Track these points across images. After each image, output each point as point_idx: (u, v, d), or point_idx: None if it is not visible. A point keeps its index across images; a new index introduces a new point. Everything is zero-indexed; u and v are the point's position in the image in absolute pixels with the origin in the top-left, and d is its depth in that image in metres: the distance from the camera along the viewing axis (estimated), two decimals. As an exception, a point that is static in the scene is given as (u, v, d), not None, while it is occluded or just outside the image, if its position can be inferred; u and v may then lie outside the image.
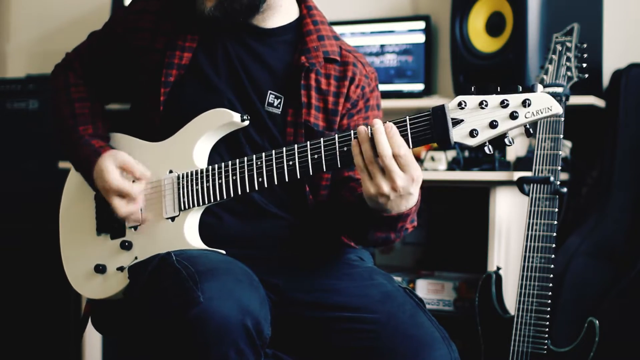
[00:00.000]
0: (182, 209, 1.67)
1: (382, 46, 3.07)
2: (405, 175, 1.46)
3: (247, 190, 1.62)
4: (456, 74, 2.75)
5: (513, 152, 2.61)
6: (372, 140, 1.47)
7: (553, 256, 2.23)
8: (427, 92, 3.01)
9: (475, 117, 1.44)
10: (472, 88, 1.46)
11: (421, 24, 3.03)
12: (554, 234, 2.24)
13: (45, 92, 3.23)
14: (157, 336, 1.53)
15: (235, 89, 1.73)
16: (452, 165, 2.66)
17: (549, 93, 1.43)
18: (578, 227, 2.70)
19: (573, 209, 2.81)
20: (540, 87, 1.43)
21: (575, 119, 2.54)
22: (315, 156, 1.55)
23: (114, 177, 1.67)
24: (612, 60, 2.82)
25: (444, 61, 3.07)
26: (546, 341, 2.22)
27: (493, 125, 1.43)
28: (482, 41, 2.71)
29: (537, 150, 2.28)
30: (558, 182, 2.26)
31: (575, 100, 2.43)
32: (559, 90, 2.26)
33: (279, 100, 1.73)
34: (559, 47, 2.33)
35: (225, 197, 1.64)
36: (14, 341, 3.23)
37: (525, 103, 1.42)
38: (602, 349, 2.17)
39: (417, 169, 1.47)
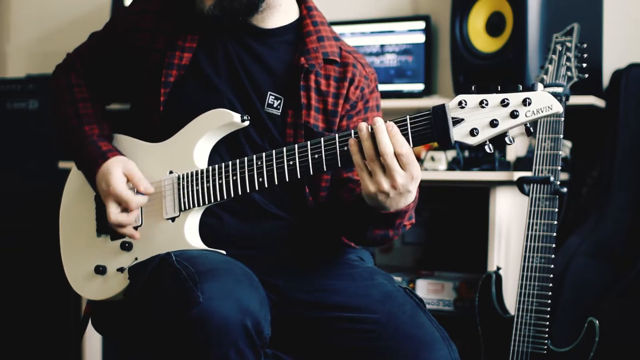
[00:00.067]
0: (183, 209, 1.67)
1: (382, 46, 3.07)
2: (405, 173, 1.46)
3: (248, 190, 1.62)
4: (456, 74, 2.75)
5: (513, 152, 2.61)
6: (373, 138, 1.47)
7: (553, 256, 2.23)
8: (427, 92, 3.01)
9: (475, 116, 1.45)
10: (473, 87, 1.47)
11: (421, 24, 3.03)
12: (554, 234, 2.24)
13: (45, 92, 3.23)
14: (157, 336, 1.53)
15: (236, 90, 1.73)
16: (452, 165, 2.66)
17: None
18: (578, 227, 2.70)
19: (573, 209, 2.81)
20: (540, 86, 1.44)
21: (575, 119, 2.54)
22: (316, 156, 1.55)
23: (119, 183, 1.67)
24: (612, 60, 2.82)
25: (444, 61, 3.07)
26: (546, 341, 2.23)
27: (493, 124, 1.43)
28: (482, 41, 2.71)
29: (537, 150, 2.28)
30: (558, 182, 2.26)
31: (575, 100, 2.43)
32: (559, 90, 2.26)
33: (279, 101, 1.73)
34: (559, 47, 2.33)
35: (225, 197, 1.64)
36: (14, 341, 3.23)
37: (525, 102, 1.42)
38: (602, 349, 2.17)
39: (417, 168, 1.48)
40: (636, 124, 2.70)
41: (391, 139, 1.46)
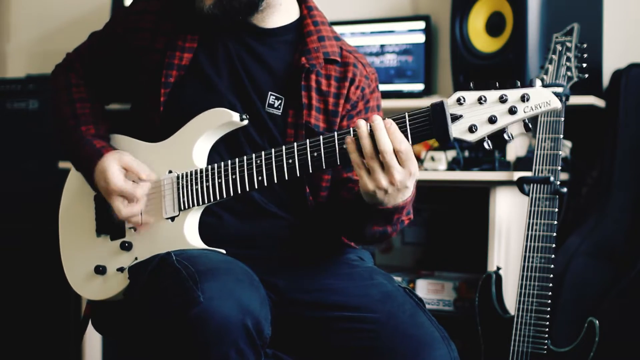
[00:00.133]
0: (182, 208, 1.67)
1: (382, 46, 3.07)
2: (403, 169, 1.47)
3: (247, 189, 1.62)
4: (456, 74, 2.75)
5: (513, 152, 2.61)
6: (371, 136, 1.47)
7: (553, 256, 2.23)
8: (427, 92, 3.01)
9: (474, 112, 1.45)
10: (471, 84, 1.47)
11: (421, 24, 3.03)
12: (554, 234, 2.24)
13: (45, 92, 3.23)
14: (157, 336, 1.53)
15: (236, 90, 1.73)
16: (452, 165, 2.66)
17: (548, 92, 1.44)
18: (578, 227, 2.70)
19: (573, 209, 2.81)
20: (538, 82, 1.44)
21: (575, 119, 2.54)
22: (315, 154, 1.55)
23: (118, 178, 1.66)
24: (612, 60, 2.82)
25: (444, 61, 3.07)
26: (546, 341, 2.22)
27: (492, 120, 1.44)
28: (482, 41, 2.71)
29: (537, 150, 2.28)
30: (558, 182, 2.26)
31: (575, 100, 2.43)
32: (559, 90, 2.26)
33: (280, 101, 1.73)
34: (559, 47, 2.33)
35: (225, 196, 1.64)
36: (14, 341, 3.23)
37: (524, 98, 1.42)
38: (602, 349, 2.17)
39: (415, 164, 1.49)
40: (636, 124, 2.70)
41: (390, 137, 1.46)
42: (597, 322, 2.18)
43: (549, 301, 2.22)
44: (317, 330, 1.65)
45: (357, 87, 1.77)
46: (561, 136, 2.26)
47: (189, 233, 1.66)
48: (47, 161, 3.15)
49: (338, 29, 2.02)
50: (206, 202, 1.65)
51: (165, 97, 1.73)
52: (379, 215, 1.57)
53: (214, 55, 1.74)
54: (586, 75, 2.30)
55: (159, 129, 1.73)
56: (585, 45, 2.31)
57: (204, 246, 1.65)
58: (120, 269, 1.71)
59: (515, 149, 2.61)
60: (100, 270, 1.73)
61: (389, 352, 1.56)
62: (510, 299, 2.37)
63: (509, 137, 1.46)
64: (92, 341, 2.99)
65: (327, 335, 1.64)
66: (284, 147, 1.58)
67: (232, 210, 1.71)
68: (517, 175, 2.36)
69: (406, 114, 1.49)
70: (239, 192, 1.62)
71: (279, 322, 1.62)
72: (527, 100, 1.42)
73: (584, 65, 2.30)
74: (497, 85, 1.45)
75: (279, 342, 1.63)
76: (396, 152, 1.46)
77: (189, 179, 1.67)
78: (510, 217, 2.55)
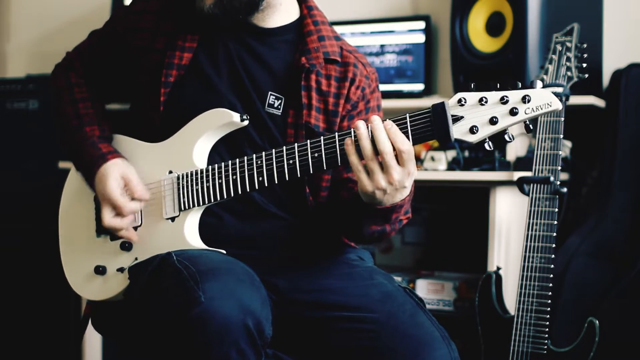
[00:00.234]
0: (182, 209, 1.67)
1: (382, 46, 3.07)
2: (403, 169, 1.48)
3: (248, 190, 1.62)
4: (456, 74, 2.75)
5: (513, 152, 2.61)
6: (371, 137, 1.47)
7: (553, 256, 2.23)
8: (427, 92, 3.01)
9: (475, 113, 1.45)
10: (472, 85, 1.47)
11: (421, 24, 3.03)
12: (554, 234, 2.24)
13: (45, 92, 3.23)
14: (158, 336, 1.53)
15: (236, 90, 1.73)
16: (452, 165, 2.66)
17: (549, 92, 1.44)
18: (578, 227, 2.70)
19: (573, 209, 2.81)
20: (539, 83, 1.44)
21: (575, 119, 2.54)
22: (316, 154, 1.55)
23: (114, 188, 1.67)
24: (612, 60, 2.82)
25: (444, 61, 3.07)
26: (546, 341, 2.22)
27: (493, 121, 1.44)
28: (482, 41, 2.71)
29: (537, 150, 2.28)
30: (558, 182, 2.26)
31: (575, 100, 2.43)
32: (559, 90, 2.26)
33: (280, 101, 1.73)
34: (559, 47, 2.33)
35: (225, 196, 1.64)
36: (14, 341, 3.23)
37: (525, 99, 1.42)
38: (602, 349, 2.17)
39: (414, 164, 1.49)
40: (636, 124, 2.70)
41: (392, 137, 1.46)
42: (597, 322, 2.18)
43: (549, 301, 2.22)
44: (317, 330, 1.65)
45: (357, 87, 1.77)
46: (561, 136, 2.26)
47: (189, 233, 1.66)
48: (47, 161, 3.15)
49: (338, 29, 2.02)
50: (206, 202, 1.65)
51: (165, 97, 1.72)
52: (377, 215, 1.58)
53: (214, 55, 1.74)
54: (586, 75, 2.30)
55: (159, 129, 1.73)
56: (585, 45, 2.31)
57: (204, 246, 1.65)
58: (121, 269, 1.71)
59: (515, 149, 2.61)
60: (100, 270, 1.73)
61: (389, 352, 1.56)
62: (510, 299, 2.37)
63: (509, 138, 1.46)
64: (92, 341, 2.99)
65: (327, 335, 1.64)
66: (284, 148, 1.58)
67: (232, 210, 1.71)
68: (517, 175, 2.36)
69: (407, 115, 1.49)
70: (240, 192, 1.62)
71: (279, 322, 1.62)
72: (528, 101, 1.42)
73: (584, 65, 2.30)
74: (498, 86, 1.45)
75: (279, 342, 1.63)
76: (398, 153, 1.46)
77: (189, 179, 1.67)
78: (510, 217, 2.55)
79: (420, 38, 3.02)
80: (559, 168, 2.26)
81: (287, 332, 1.66)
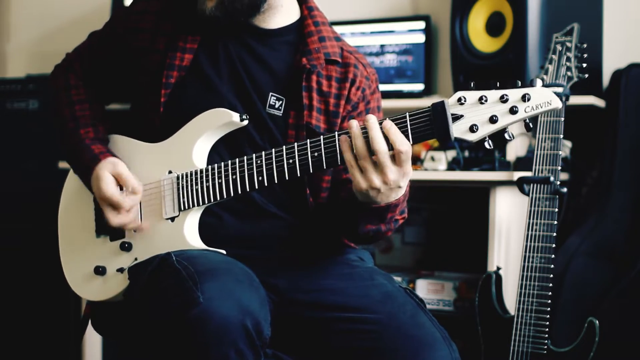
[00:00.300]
0: (182, 209, 1.67)
1: (382, 46, 3.07)
2: (398, 169, 1.48)
3: (247, 189, 1.62)
4: (456, 74, 2.75)
5: (513, 152, 2.61)
6: (365, 136, 1.48)
7: (553, 256, 2.23)
8: (427, 92, 3.01)
9: (475, 112, 1.45)
10: (472, 84, 1.47)
11: (421, 24, 3.03)
12: (554, 234, 2.24)
13: (45, 92, 3.23)
14: (157, 337, 1.52)
15: (237, 91, 1.73)
16: (452, 165, 2.66)
17: (548, 92, 1.44)
18: (578, 227, 2.69)
19: (573, 209, 2.81)
20: (539, 82, 1.44)
21: (575, 119, 2.54)
22: (316, 154, 1.55)
23: (108, 187, 1.67)
24: (612, 60, 2.82)
25: (444, 61, 3.07)
26: (546, 341, 2.22)
27: (493, 120, 1.44)
28: (482, 41, 2.70)
29: (537, 150, 2.28)
30: (558, 182, 2.26)
31: (575, 100, 2.43)
32: (559, 90, 2.26)
33: (280, 102, 1.73)
34: (559, 47, 2.33)
35: (225, 196, 1.63)
36: (14, 341, 3.23)
37: (524, 97, 1.42)
38: (602, 349, 2.17)
39: (410, 165, 1.50)
40: (636, 124, 2.70)
41: (391, 137, 1.46)
42: (597, 322, 2.18)
43: (549, 301, 2.22)
44: (317, 330, 1.65)
45: (357, 88, 1.76)
46: (561, 136, 2.26)
47: (189, 233, 1.66)
48: (47, 161, 3.15)
49: (338, 29, 2.02)
50: (206, 202, 1.65)
51: (166, 98, 1.72)
52: (372, 214, 1.58)
53: (215, 56, 1.74)
54: (586, 75, 2.30)
55: (159, 130, 1.73)
56: (585, 45, 2.31)
57: (204, 247, 1.65)
58: (120, 270, 1.71)
59: (515, 149, 2.61)
60: (99, 270, 1.73)
61: (391, 352, 1.56)
62: (510, 299, 2.37)
63: (509, 136, 1.46)
64: (92, 341, 2.99)
65: (327, 335, 1.64)
66: (284, 147, 1.58)
67: (232, 210, 1.71)
68: (517, 175, 2.36)
69: (407, 114, 1.49)
70: (239, 192, 1.62)
71: (279, 323, 1.62)
72: (528, 100, 1.42)
73: (584, 65, 2.30)
74: (498, 85, 1.45)
75: (279, 342, 1.63)
76: (396, 153, 1.46)
77: (189, 179, 1.67)
78: (510, 217, 2.55)
79: (420, 38, 3.02)
80: (559, 168, 2.26)
81: (287, 332, 1.66)
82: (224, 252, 1.62)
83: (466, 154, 2.67)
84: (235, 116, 1.66)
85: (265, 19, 1.75)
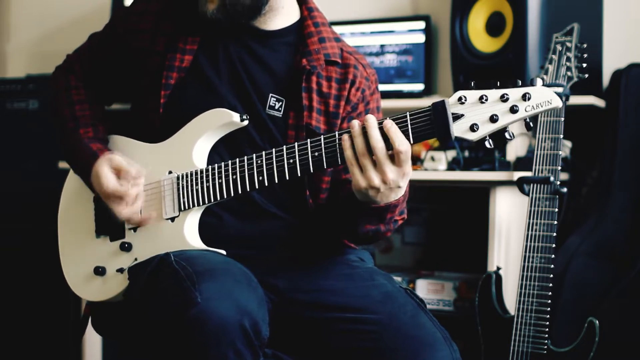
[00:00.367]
0: (182, 209, 1.67)
1: (382, 46, 3.07)
2: (398, 169, 1.48)
3: (248, 189, 1.62)
4: (456, 74, 2.75)
5: (513, 152, 2.61)
6: (365, 135, 1.48)
7: (553, 256, 2.23)
8: (427, 92, 3.01)
9: (475, 111, 1.45)
10: (472, 83, 1.47)
11: (421, 24, 3.03)
12: (554, 234, 2.24)
13: (45, 92, 3.23)
14: (157, 337, 1.53)
15: (237, 92, 1.73)
16: (452, 165, 2.66)
17: (548, 92, 1.44)
18: (578, 227, 2.69)
19: (573, 209, 2.81)
20: (539, 81, 1.45)
21: (575, 119, 2.54)
22: (316, 154, 1.56)
23: (110, 181, 1.66)
24: (612, 60, 2.82)
25: (444, 61, 3.07)
26: (546, 341, 2.22)
27: (493, 119, 1.44)
28: (482, 41, 2.70)
29: (537, 150, 2.28)
30: (558, 182, 2.26)
31: (575, 100, 2.43)
32: (559, 90, 2.26)
33: (280, 103, 1.73)
34: (559, 47, 2.33)
35: (225, 196, 1.63)
36: (14, 341, 3.23)
37: (525, 97, 1.42)
38: (602, 349, 2.17)
39: (410, 165, 1.50)
40: (636, 124, 2.70)
41: (391, 137, 1.47)
42: (597, 322, 2.18)
43: (549, 301, 2.22)
44: (317, 330, 1.65)
45: (357, 88, 1.77)
46: (561, 136, 2.26)
47: (189, 233, 1.66)
48: (47, 161, 3.15)
49: (338, 29, 2.02)
50: (206, 202, 1.65)
51: (166, 99, 1.72)
52: (372, 214, 1.58)
53: (215, 57, 1.74)
54: (586, 75, 2.30)
55: (159, 130, 1.73)
56: (585, 45, 2.31)
57: (204, 247, 1.65)
58: (120, 270, 1.71)
59: (515, 149, 2.61)
60: (99, 271, 1.73)
61: (391, 352, 1.56)
62: (510, 299, 2.37)
63: (510, 135, 1.46)
64: (92, 341, 2.99)
65: (327, 335, 1.64)
66: (284, 147, 1.58)
67: (232, 210, 1.71)
68: (517, 175, 2.36)
69: (407, 113, 1.49)
70: (239, 192, 1.62)
71: (279, 323, 1.62)
72: (529, 99, 1.42)
73: (584, 65, 2.30)
74: (498, 84, 1.45)
75: (279, 342, 1.63)
76: (396, 153, 1.47)
77: (189, 180, 1.67)
78: (510, 217, 2.55)
79: (420, 38, 3.02)
80: (559, 168, 2.26)
81: (287, 332, 1.66)
82: (223, 252, 1.62)
83: (466, 153, 2.67)
84: (236, 116, 1.66)
85: (266, 20, 1.75)
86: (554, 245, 2.24)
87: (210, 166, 1.66)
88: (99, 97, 1.89)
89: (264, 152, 1.60)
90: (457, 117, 1.46)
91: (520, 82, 1.44)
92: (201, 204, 1.65)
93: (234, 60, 1.74)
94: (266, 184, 1.60)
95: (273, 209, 1.73)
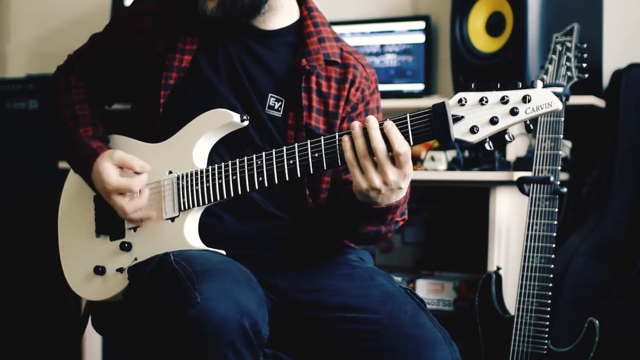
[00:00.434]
0: (182, 209, 1.67)
1: (382, 46, 3.07)
2: (398, 171, 1.48)
3: (248, 190, 1.62)
4: (456, 74, 2.75)
5: (513, 152, 2.61)
6: (365, 136, 1.48)
7: (553, 256, 2.23)
8: (427, 92, 3.01)
9: (475, 113, 1.45)
10: (472, 85, 1.47)
11: (421, 24, 3.03)
12: (554, 234, 2.24)
13: (45, 92, 3.22)
14: (157, 337, 1.53)
15: (236, 92, 1.73)
16: (452, 165, 2.66)
17: (548, 92, 1.44)
18: (578, 227, 2.70)
19: (573, 209, 2.81)
20: (540, 83, 1.44)
21: (575, 119, 2.54)
22: (316, 154, 1.55)
23: (113, 177, 1.66)
24: (612, 60, 2.82)
25: (444, 61, 3.07)
26: (546, 341, 2.22)
27: (493, 121, 1.44)
28: (482, 41, 2.71)
29: (537, 150, 2.28)
30: (558, 182, 2.26)
31: (575, 100, 2.43)
32: (559, 90, 2.26)
33: (280, 103, 1.73)
34: (559, 47, 2.33)
35: (225, 196, 1.63)
36: (14, 341, 3.23)
37: (525, 99, 1.42)
38: (602, 349, 2.17)
39: (411, 166, 1.50)
40: (636, 124, 2.70)
41: (391, 138, 1.47)
42: (597, 322, 2.18)
43: (549, 301, 2.22)
44: (317, 330, 1.65)
45: (357, 88, 1.76)
46: (561, 136, 2.26)
47: (188, 234, 1.66)
48: (47, 161, 3.15)
49: (338, 29, 2.02)
50: (206, 202, 1.65)
51: (165, 99, 1.72)
52: (373, 215, 1.58)
53: (214, 57, 1.74)
54: (586, 75, 2.30)
55: (159, 131, 1.73)
56: (585, 45, 2.31)
57: (203, 247, 1.65)
58: (120, 270, 1.71)
59: (515, 149, 2.61)
60: (99, 270, 1.73)
61: (391, 352, 1.56)
62: (510, 299, 2.37)
63: (510, 137, 1.46)
64: (92, 341, 2.99)
65: (327, 335, 1.64)
66: (284, 148, 1.58)
67: (232, 210, 1.71)
68: (517, 175, 2.36)
69: (407, 114, 1.49)
70: (239, 192, 1.62)
71: (279, 323, 1.62)
72: (529, 101, 1.42)
73: (584, 65, 2.30)
74: (499, 86, 1.45)
75: (279, 342, 1.63)
76: (395, 155, 1.47)
77: (189, 180, 1.67)
78: (510, 217, 2.55)
79: (420, 38, 3.02)
80: (559, 168, 2.26)
81: (287, 332, 1.66)
82: (223, 252, 1.62)
83: (466, 154, 2.67)
84: (236, 117, 1.66)
85: (265, 20, 1.75)
86: (554, 245, 2.24)
87: (210, 166, 1.66)
88: (99, 97, 1.89)
89: (264, 153, 1.60)
90: (457, 119, 1.46)
91: (520, 84, 1.44)
92: (201, 204, 1.65)
93: (234, 60, 1.74)
94: (266, 185, 1.60)
95: (273, 209, 1.73)
